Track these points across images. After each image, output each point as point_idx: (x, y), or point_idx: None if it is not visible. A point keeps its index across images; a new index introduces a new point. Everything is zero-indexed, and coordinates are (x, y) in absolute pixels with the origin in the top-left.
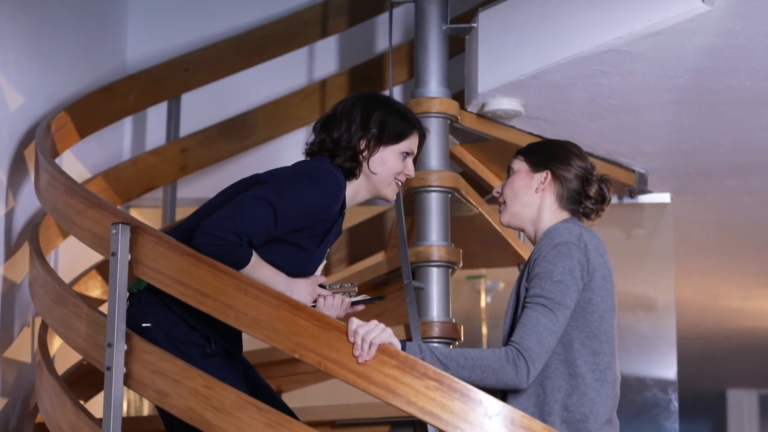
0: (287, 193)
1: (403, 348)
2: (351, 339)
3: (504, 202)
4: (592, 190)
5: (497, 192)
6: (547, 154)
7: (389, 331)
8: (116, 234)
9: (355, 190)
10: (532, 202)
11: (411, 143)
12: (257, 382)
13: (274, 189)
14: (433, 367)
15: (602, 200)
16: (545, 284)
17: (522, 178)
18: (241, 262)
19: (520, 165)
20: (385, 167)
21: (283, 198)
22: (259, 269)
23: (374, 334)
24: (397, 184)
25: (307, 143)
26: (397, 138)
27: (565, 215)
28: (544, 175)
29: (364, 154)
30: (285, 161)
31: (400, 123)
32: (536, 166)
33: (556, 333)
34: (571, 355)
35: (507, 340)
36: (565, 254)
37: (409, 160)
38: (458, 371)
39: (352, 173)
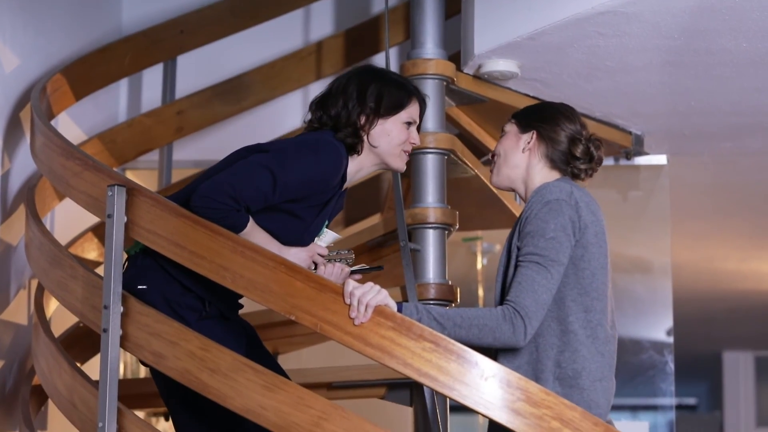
0: (288, 162)
1: (399, 309)
2: (347, 301)
3: (495, 164)
4: (578, 151)
5: (492, 154)
6: (535, 116)
7: (385, 292)
8: (112, 196)
9: (358, 166)
10: (520, 162)
11: (411, 112)
12: (257, 345)
13: (276, 157)
14: (429, 328)
15: (590, 160)
16: (538, 242)
17: (510, 139)
18: (236, 227)
19: (510, 127)
20: (389, 138)
21: (284, 166)
22: (254, 235)
23: (370, 296)
24: (405, 153)
25: (305, 121)
26: (396, 108)
27: (555, 175)
28: (530, 136)
29: (365, 128)
30: (280, 122)
31: (398, 93)
32: (524, 127)
33: (551, 290)
34: (563, 311)
35: (500, 300)
36: (557, 211)
37: (413, 129)
38: (455, 331)
39: (354, 149)
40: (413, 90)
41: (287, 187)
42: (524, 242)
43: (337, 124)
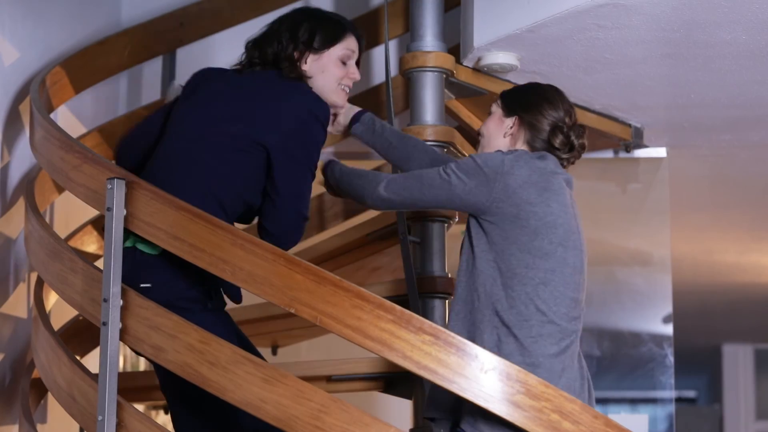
0: (313, 150)
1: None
2: None
3: (480, 143)
4: (558, 141)
5: (478, 131)
6: (520, 101)
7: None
8: (111, 189)
9: None
10: (501, 146)
11: (347, 45)
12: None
13: (306, 156)
14: (429, 321)
15: (570, 149)
16: (454, 161)
17: (494, 122)
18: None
19: (496, 108)
20: (325, 74)
21: (313, 158)
22: None
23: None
24: (343, 90)
25: (240, 63)
26: (329, 42)
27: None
28: (512, 121)
29: (301, 63)
30: None
31: (331, 27)
32: (508, 110)
33: (431, 187)
34: (504, 264)
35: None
36: (489, 156)
37: (351, 64)
38: (343, 174)
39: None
40: (348, 25)
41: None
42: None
43: (276, 61)
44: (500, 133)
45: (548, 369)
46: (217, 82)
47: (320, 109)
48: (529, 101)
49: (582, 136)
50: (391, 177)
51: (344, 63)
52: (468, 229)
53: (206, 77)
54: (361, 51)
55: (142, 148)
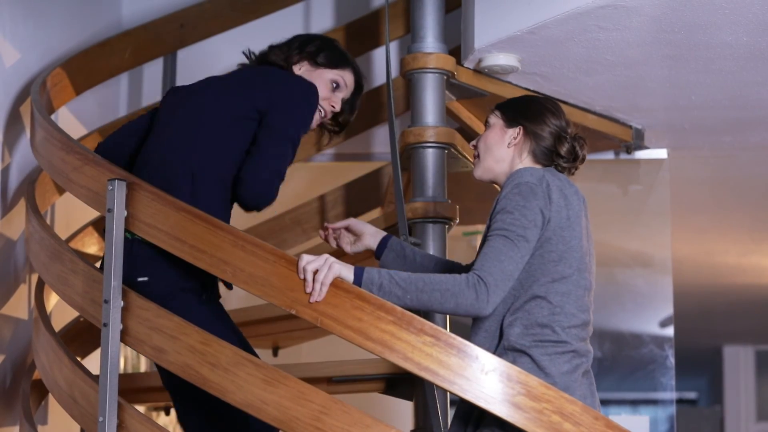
0: (300, 125)
1: (361, 273)
2: (300, 276)
3: (478, 156)
4: (564, 149)
5: (473, 145)
6: (522, 110)
7: (338, 265)
8: (112, 190)
9: None
10: (504, 157)
11: (342, 75)
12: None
13: (293, 128)
14: (429, 323)
15: (574, 159)
16: (506, 218)
17: (496, 133)
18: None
19: (495, 120)
20: None
21: (298, 132)
22: None
23: (323, 273)
24: (318, 111)
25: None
26: (330, 63)
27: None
28: (516, 131)
29: (295, 66)
30: None
31: (338, 55)
32: (510, 121)
33: (518, 263)
34: (523, 288)
35: None
36: (527, 192)
37: (339, 95)
38: (417, 296)
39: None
40: (353, 64)
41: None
42: (494, 220)
43: (269, 59)
44: (503, 143)
45: (563, 387)
46: (204, 82)
47: (311, 91)
48: (532, 110)
49: (584, 147)
50: (486, 281)
51: (333, 89)
52: None
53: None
54: (355, 94)
55: (127, 152)
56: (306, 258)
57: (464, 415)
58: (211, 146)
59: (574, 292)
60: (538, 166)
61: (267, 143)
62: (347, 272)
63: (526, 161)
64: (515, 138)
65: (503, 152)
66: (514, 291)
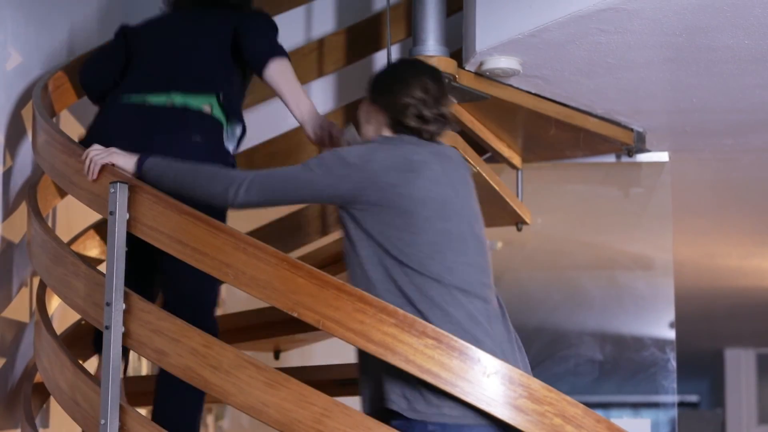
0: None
1: (142, 161)
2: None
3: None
4: (411, 120)
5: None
6: (375, 85)
7: (118, 156)
8: (114, 193)
9: None
10: (370, 132)
11: None
12: None
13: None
14: (431, 325)
15: (426, 122)
16: (312, 158)
17: (362, 109)
18: None
19: (366, 93)
20: None
21: None
22: None
23: (100, 155)
24: None
25: None
26: None
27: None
28: (372, 107)
29: None
30: (282, 120)
31: None
32: (369, 96)
33: (287, 187)
34: (386, 247)
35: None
36: (349, 148)
37: None
38: (182, 175)
39: None
40: None
41: None
42: None
43: None
44: (366, 120)
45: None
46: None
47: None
48: (382, 83)
49: (440, 105)
50: (250, 178)
51: None
52: (342, 222)
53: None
54: None
55: (110, 73)
56: (94, 147)
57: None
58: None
59: (444, 241)
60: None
61: None
62: (126, 160)
63: (387, 133)
64: (371, 114)
65: (368, 129)
66: (377, 248)
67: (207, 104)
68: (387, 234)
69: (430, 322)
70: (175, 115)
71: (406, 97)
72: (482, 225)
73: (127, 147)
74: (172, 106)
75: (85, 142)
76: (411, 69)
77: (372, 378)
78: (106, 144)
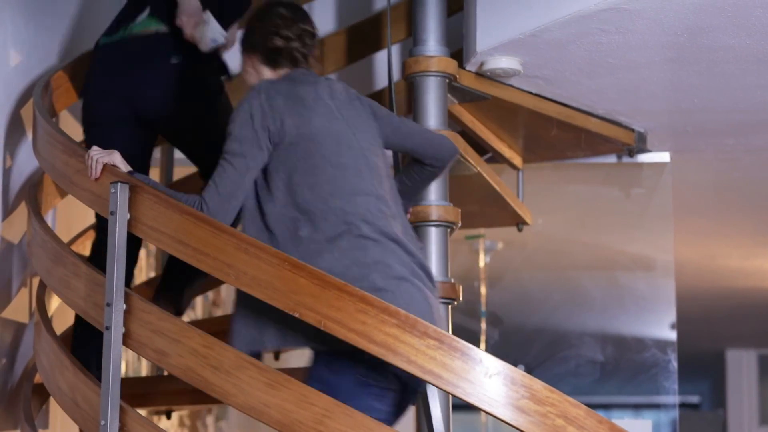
0: None
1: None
2: (86, 162)
3: None
4: (277, 42)
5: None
6: (242, 40)
7: (118, 157)
8: (115, 193)
9: None
10: (253, 77)
11: None
12: None
13: None
14: (433, 326)
15: (291, 41)
16: (227, 141)
17: (243, 67)
18: None
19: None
20: None
21: None
22: None
23: (102, 155)
24: None
25: None
26: None
27: (282, 71)
28: (245, 58)
29: None
30: None
31: None
32: (241, 53)
33: (234, 180)
34: (293, 190)
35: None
36: (241, 106)
37: None
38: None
39: None
40: None
41: None
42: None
43: None
44: (247, 73)
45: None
46: None
47: None
48: (245, 33)
49: (298, 23)
50: (205, 197)
51: None
52: None
53: None
54: None
55: None
56: (94, 148)
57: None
58: None
59: (340, 174)
60: (280, 70)
61: None
62: (121, 164)
63: (267, 71)
64: (248, 62)
65: (249, 78)
66: (281, 191)
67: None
68: (288, 172)
69: (323, 259)
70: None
71: (265, 28)
72: (381, 154)
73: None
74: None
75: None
76: (263, 8)
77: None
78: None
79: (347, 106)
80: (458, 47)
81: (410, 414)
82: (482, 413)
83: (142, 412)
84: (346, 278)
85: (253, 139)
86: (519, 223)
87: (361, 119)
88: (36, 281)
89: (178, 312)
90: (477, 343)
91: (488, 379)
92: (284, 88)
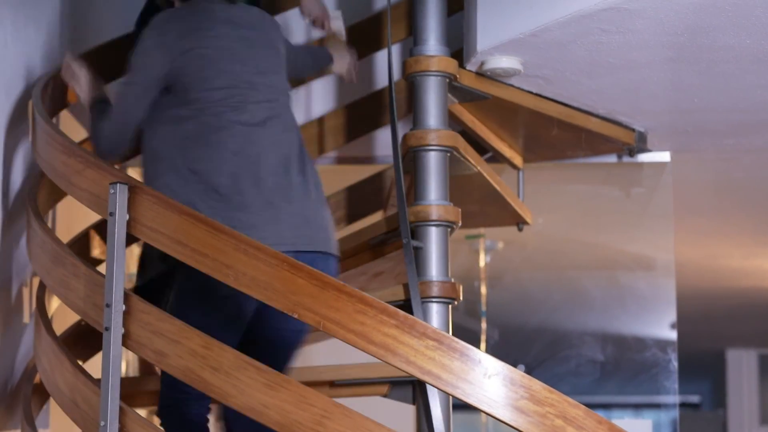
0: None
1: (100, 100)
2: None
3: None
4: None
5: None
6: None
7: (85, 81)
8: (114, 194)
9: None
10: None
11: None
12: None
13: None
14: (432, 326)
15: None
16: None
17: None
18: None
19: None
20: None
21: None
22: None
23: (78, 66)
24: None
25: None
26: None
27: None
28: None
29: None
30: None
31: None
32: None
33: (128, 109)
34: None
35: None
36: (144, 39)
37: None
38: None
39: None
40: None
41: None
42: None
43: None
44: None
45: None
46: None
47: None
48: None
49: None
50: (110, 113)
51: None
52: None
53: None
54: None
55: None
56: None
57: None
58: None
59: (224, 99)
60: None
61: None
62: (86, 89)
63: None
64: None
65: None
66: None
67: None
68: (182, 88)
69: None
70: None
71: None
72: (279, 74)
73: None
74: None
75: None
76: None
77: None
78: None
79: (247, 28)
80: (458, 47)
81: (410, 414)
82: (482, 413)
83: (142, 412)
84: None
85: (149, 67)
86: (519, 222)
87: (263, 40)
88: (36, 282)
89: None
90: (477, 343)
91: (487, 380)
92: (182, 14)
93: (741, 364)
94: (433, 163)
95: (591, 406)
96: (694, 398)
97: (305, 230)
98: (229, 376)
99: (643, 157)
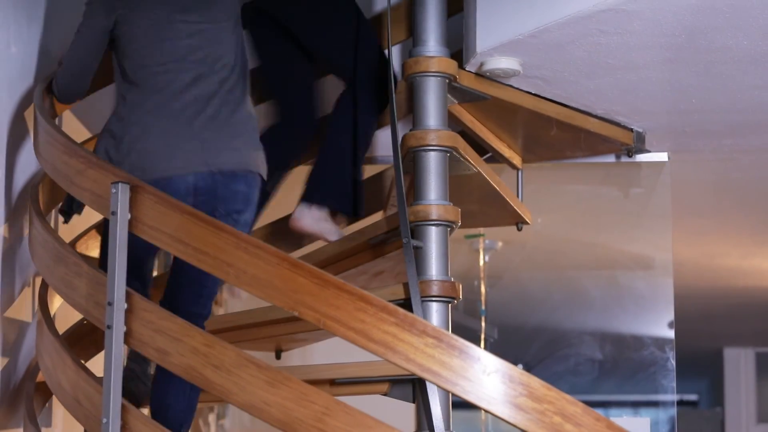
0: None
1: None
2: None
3: None
4: None
5: None
6: None
7: None
8: (116, 193)
9: None
10: None
11: None
12: None
13: None
14: (432, 324)
15: None
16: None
17: None
18: None
19: None
20: None
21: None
22: None
23: None
24: None
25: None
26: None
27: None
28: None
29: None
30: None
31: None
32: None
33: (76, 54)
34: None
35: None
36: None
37: None
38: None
39: None
40: None
41: None
42: None
43: None
44: None
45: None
46: None
47: None
48: None
49: None
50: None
51: None
52: None
53: None
54: None
55: None
56: None
57: None
58: None
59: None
60: None
61: None
62: None
63: None
64: None
65: None
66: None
67: None
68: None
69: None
70: None
71: None
72: (207, 15)
73: None
74: None
75: None
76: None
77: None
78: None
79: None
80: (458, 48)
81: (410, 412)
82: (482, 411)
83: (144, 410)
84: None
85: (94, 15)
86: (518, 222)
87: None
88: (39, 281)
89: None
90: (477, 342)
91: (486, 377)
92: None
93: (738, 363)
94: (432, 163)
95: (590, 404)
96: (692, 396)
97: (202, 154)
98: (231, 373)
99: (642, 158)
